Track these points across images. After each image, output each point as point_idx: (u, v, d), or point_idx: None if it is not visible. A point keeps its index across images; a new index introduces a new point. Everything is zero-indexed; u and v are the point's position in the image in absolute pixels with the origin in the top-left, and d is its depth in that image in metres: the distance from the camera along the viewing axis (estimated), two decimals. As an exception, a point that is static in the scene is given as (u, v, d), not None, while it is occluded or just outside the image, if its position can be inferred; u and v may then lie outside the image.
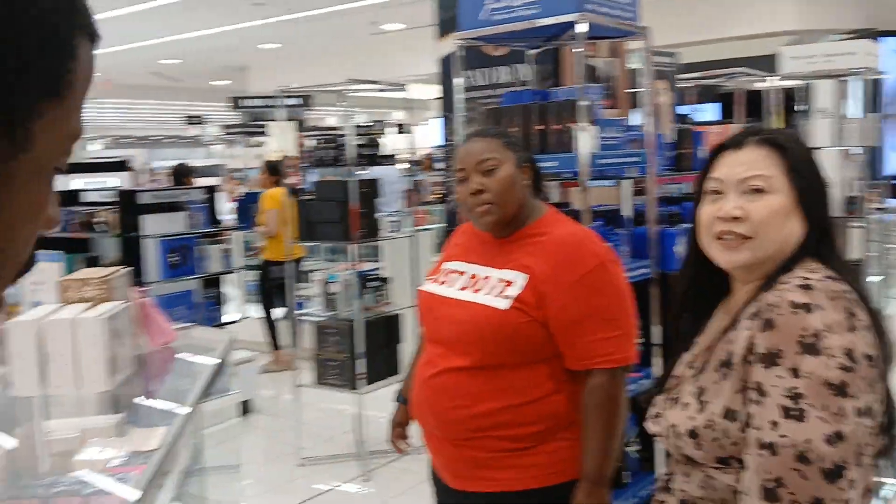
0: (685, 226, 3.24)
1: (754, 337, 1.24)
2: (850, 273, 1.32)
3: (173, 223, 5.24)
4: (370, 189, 4.21)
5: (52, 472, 2.02)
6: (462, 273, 2.01)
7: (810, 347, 1.18)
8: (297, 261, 5.78)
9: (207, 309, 5.41)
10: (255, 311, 6.91)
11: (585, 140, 2.63)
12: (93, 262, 5.46)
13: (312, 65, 13.75)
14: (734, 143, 1.39)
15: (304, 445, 4.57)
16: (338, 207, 4.17)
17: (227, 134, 15.60)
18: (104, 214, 5.33)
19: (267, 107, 13.85)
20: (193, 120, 22.02)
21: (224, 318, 5.59)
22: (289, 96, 12.79)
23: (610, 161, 2.74)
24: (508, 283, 1.88)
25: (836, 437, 1.15)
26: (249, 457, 4.78)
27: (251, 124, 14.99)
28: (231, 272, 5.66)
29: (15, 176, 0.50)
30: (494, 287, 1.90)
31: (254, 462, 4.71)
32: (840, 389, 1.16)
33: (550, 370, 1.87)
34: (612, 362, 1.83)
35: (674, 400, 1.37)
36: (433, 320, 2.00)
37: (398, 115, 18.14)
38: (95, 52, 0.57)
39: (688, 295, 1.50)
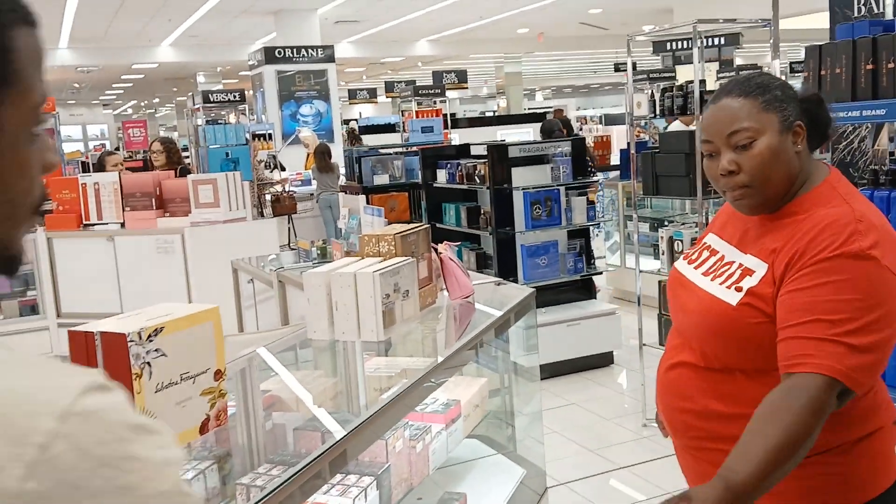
0: None
1: None
2: None
3: (539, 175, 5.39)
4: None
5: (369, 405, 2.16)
6: (714, 252, 1.72)
7: None
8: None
9: (572, 260, 5.51)
10: (624, 262, 6.84)
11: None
12: (473, 212, 5.90)
13: (736, 2, 12.91)
14: None
15: (649, 405, 4.46)
16: (684, 160, 3.90)
17: (635, 80, 15.42)
18: (482, 167, 5.69)
19: (688, 49, 13.41)
20: (621, 67, 22.21)
21: (588, 270, 5.63)
22: (711, 36, 12.22)
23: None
24: (748, 273, 1.57)
25: None
26: (598, 409, 4.81)
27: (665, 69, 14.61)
28: (597, 224, 5.65)
29: None
30: (732, 276, 1.60)
31: (598, 415, 4.73)
32: None
33: None
34: (822, 368, 1.38)
35: None
36: (674, 305, 1.78)
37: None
38: (37, 32, 0.67)
39: None
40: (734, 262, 1.63)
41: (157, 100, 32.10)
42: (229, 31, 16.24)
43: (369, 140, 10.60)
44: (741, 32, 12.28)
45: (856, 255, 1.44)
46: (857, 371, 1.39)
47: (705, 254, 1.74)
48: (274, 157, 9.76)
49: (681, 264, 1.80)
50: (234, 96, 9.69)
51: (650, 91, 4.17)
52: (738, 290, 1.56)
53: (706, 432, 1.62)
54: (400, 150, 7.49)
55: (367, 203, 6.94)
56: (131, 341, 1.53)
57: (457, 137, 10.68)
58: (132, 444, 0.56)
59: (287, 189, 9.16)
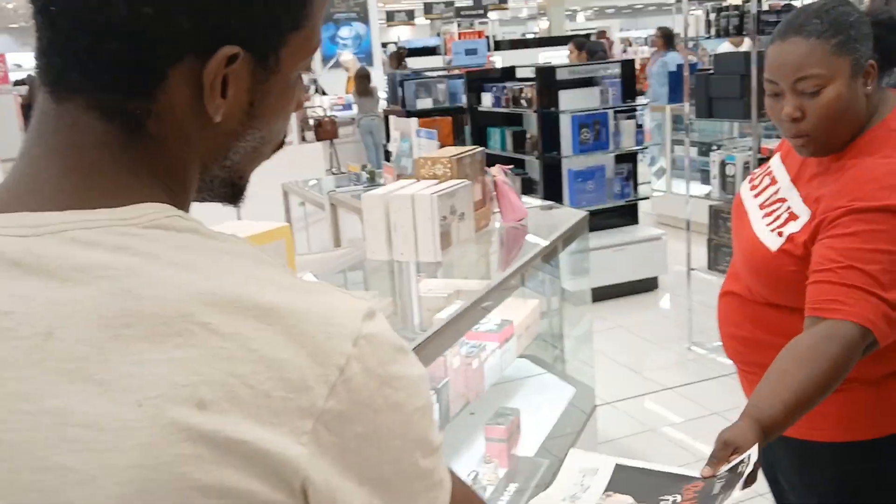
0: None
1: None
2: None
3: (588, 98, 5.33)
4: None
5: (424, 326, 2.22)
6: (774, 182, 1.68)
7: None
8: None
9: (619, 185, 5.48)
10: (670, 187, 6.77)
11: None
12: (518, 136, 5.86)
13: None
14: None
15: (695, 329, 4.49)
16: (739, 82, 3.83)
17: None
18: (529, 90, 5.63)
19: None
20: (666, -14, 21.46)
21: (635, 195, 5.60)
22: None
23: None
24: (793, 218, 1.55)
25: None
26: (645, 332, 4.86)
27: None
28: (645, 148, 5.59)
29: (269, 91, 0.66)
30: (779, 217, 1.58)
31: (644, 338, 4.78)
32: None
33: None
34: (858, 317, 1.35)
35: None
36: (734, 232, 1.78)
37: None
38: None
39: None
40: (785, 199, 1.61)
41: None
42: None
43: (412, 63, 10.49)
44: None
45: None
46: (889, 324, 1.37)
47: (766, 181, 1.71)
48: (315, 80, 9.72)
49: (744, 189, 1.78)
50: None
51: (705, 9, 4.05)
52: (780, 235, 1.55)
53: (752, 358, 1.65)
54: (443, 73, 7.41)
55: (413, 127, 6.94)
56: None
57: (500, 60, 10.51)
58: (399, 364, 0.61)
59: (328, 114, 9.16)
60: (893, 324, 1.37)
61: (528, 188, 5.81)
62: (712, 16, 3.95)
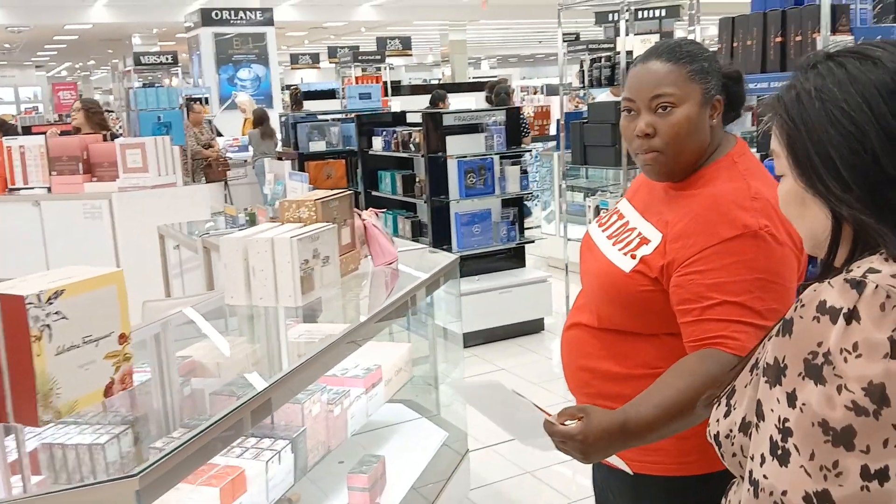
0: None
1: (771, 338, 0.96)
2: None
3: (474, 144, 5.40)
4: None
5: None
6: (621, 217, 1.76)
7: (815, 370, 0.86)
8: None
9: (505, 228, 5.55)
10: (559, 230, 6.91)
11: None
12: (408, 180, 5.89)
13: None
14: None
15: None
16: (610, 130, 3.95)
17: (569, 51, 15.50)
18: (417, 135, 5.67)
19: (638, 20, 13.44)
20: (567, 37, 22.21)
21: (522, 238, 5.69)
22: (652, 8, 12.31)
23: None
24: (644, 241, 1.61)
25: (821, 499, 0.84)
26: (528, 374, 4.89)
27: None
28: (531, 193, 5.69)
29: None
30: (630, 242, 1.64)
31: (527, 380, 4.81)
32: (841, 437, 0.84)
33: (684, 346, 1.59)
34: (728, 346, 1.44)
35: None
36: (581, 267, 1.83)
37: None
38: None
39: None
40: (635, 228, 1.67)
41: (92, 62, 31.10)
42: (165, -9, 15.80)
43: (310, 106, 10.46)
44: (681, 5, 12.39)
45: (753, 235, 1.47)
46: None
47: (614, 218, 1.79)
48: (209, 121, 9.57)
49: (592, 227, 1.84)
50: (167, 59, 9.44)
51: (579, 61, 4.19)
52: (633, 257, 1.60)
53: (599, 390, 1.68)
54: (337, 116, 7.41)
55: (301, 169, 6.89)
56: (30, 303, 1.51)
57: (398, 105, 10.60)
58: None
59: (222, 155, 9.01)
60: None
61: (418, 231, 5.84)
62: (586, 66, 4.08)
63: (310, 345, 2.28)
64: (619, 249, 1.65)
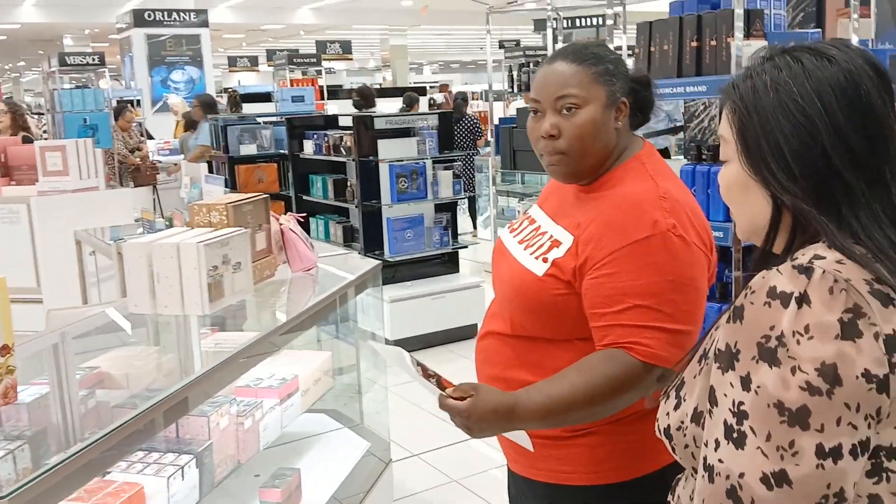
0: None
1: (720, 326, 0.97)
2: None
3: (406, 148, 5.35)
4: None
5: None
6: (533, 222, 1.72)
7: (769, 353, 0.88)
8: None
9: (438, 233, 5.50)
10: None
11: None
12: (339, 184, 5.81)
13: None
14: None
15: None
16: (539, 135, 3.93)
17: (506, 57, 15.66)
18: (349, 139, 5.59)
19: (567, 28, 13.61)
20: (505, 43, 22.35)
21: (455, 244, 5.65)
22: (589, 17, 12.40)
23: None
24: (556, 244, 1.58)
25: (778, 479, 0.86)
26: (460, 380, 4.83)
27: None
28: (465, 198, 5.66)
29: None
30: (542, 246, 1.60)
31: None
32: (797, 417, 0.86)
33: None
34: (646, 355, 1.43)
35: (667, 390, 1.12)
36: (493, 274, 1.78)
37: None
38: None
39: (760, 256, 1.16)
40: (546, 232, 1.64)
41: (22, 63, 30.18)
42: (97, -10, 15.40)
43: (247, 109, 10.26)
44: (618, 14, 12.58)
45: (662, 235, 1.45)
46: (677, 352, 1.42)
47: (525, 223, 1.75)
48: (139, 124, 9.33)
49: (504, 233, 1.80)
50: (94, 59, 9.16)
51: (507, 67, 4.16)
52: (545, 260, 1.57)
53: None
54: (270, 119, 7.28)
55: (231, 173, 6.74)
56: None
57: (335, 108, 10.48)
58: None
59: (152, 158, 8.79)
60: (683, 348, 1.42)
61: (349, 236, 5.76)
62: (515, 71, 4.06)
63: (219, 354, 2.19)
64: (531, 254, 1.61)
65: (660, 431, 1.09)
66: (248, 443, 2.36)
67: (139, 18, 12.40)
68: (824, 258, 0.91)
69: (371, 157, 5.32)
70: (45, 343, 2.37)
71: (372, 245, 5.45)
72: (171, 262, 2.28)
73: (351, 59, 19.83)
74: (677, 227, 1.47)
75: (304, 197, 6.19)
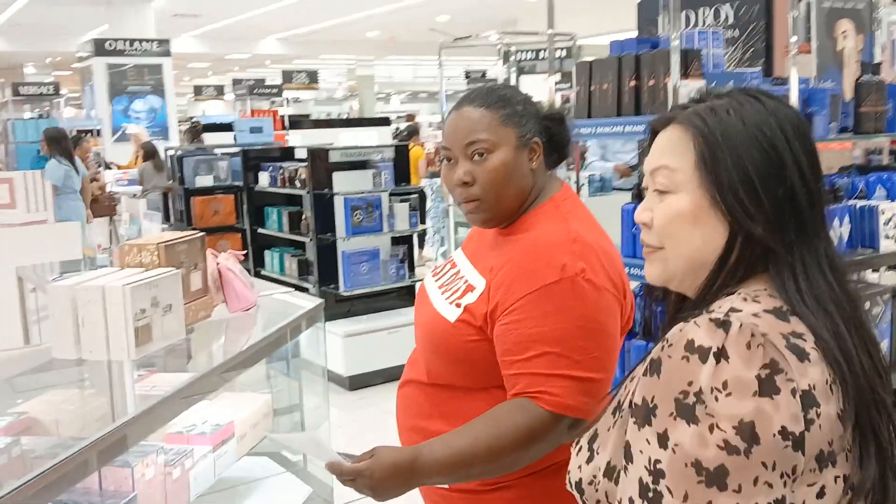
0: (855, 203, 2.58)
1: (636, 377, 0.95)
2: (824, 302, 0.93)
3: (361, 181, 5.30)
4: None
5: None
6: (454, 266, 1.68)
7: (687, 410, 0.85)
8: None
9: (395, 267, 5.45)
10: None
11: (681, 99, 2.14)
12: (294, 217, 5.74)
13: (579, 15, 13.33)
14: None
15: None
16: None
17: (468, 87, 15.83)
18: (304, 171, 5.54)
19: (531, 59, 13.73)
20: (471, 74, 22.50)
21: (412, 277, 5.59)
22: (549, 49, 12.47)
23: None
24: (470, 289, 1.53)
25: None
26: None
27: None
28: (422, 231, 5.61)
29: None
30: (457, 291, 1.56)
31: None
32: (714, 477, 0.83)
33: None
34: (554, 405, 1.38)
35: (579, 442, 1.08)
36: (415, 319, 1.73)
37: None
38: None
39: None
40: (463, 276, 1.60)
41: (-17, 90, 29.87)
42: (57, 19, 15.25)
43: (208, 139, 10.17)
44: (581, 46, 12.75)
45: (571, 280, 1.42)
46: (587, 401, 1.38)
47: (447, 267, 1.72)
48: (98, 153, 9.19)
49: (427, 277, 1.76)
50: (49, 89, 9.03)
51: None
52: (458, 306, 1.53)
53: None
54: (227, 150, 7.20)
55: (186, 205, 6.64)
56: None
57: (299, 139, 10.41)
58: None
59: (110, 189, 8.65)
60: (595, 395, 1.39)
61: (304, 270, 5.68)
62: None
63: (148, 398, 2.10)
64: (447, 299, 1.57)
65: (571, 485, 1.05)
66: (177, 493, 2.26)
67: (100, 48, 12.28)
68: (740, 311, 0.90)
69: (326, 190, 5.27)
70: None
71: (327, 279, 5.38)
72: (96, 305, 2.19)
73: (317, 89, 19.87)
74: (586, 272, 1.43)
75: (259, 229, 6.12)
